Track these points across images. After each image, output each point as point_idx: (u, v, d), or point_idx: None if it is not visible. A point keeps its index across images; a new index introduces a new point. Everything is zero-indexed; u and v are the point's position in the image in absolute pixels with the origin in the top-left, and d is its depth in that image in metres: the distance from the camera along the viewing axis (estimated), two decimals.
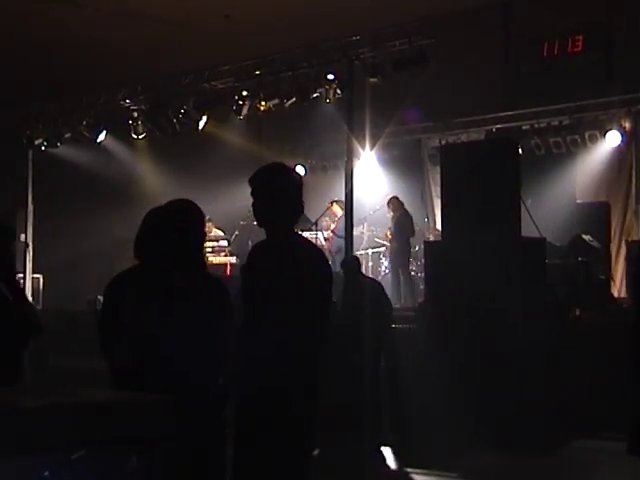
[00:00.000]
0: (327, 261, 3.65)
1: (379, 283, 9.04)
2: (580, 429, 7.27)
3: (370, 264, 13.01)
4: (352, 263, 8.53)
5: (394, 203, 12.43)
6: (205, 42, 12.15)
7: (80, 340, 9.61)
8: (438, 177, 9.51)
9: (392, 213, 12.46)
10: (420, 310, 8.87)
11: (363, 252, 12.91)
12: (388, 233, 12.53)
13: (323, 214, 12.54)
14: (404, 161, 14.02)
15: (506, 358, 7.33)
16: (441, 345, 7.73)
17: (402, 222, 12.28)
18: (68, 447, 2.28)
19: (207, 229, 14.78)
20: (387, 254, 12.82)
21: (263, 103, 12.21)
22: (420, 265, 11.96)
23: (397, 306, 10.82)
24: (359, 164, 13.29)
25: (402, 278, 12.16)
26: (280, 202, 3.50)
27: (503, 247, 7.88)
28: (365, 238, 13.44)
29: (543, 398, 7.26)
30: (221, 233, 13.58)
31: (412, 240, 12.42)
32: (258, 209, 3.56)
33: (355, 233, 11.93)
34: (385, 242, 12.81)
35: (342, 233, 11.79)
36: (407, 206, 12.74)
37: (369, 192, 13.49)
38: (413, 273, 12.63)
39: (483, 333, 7.48)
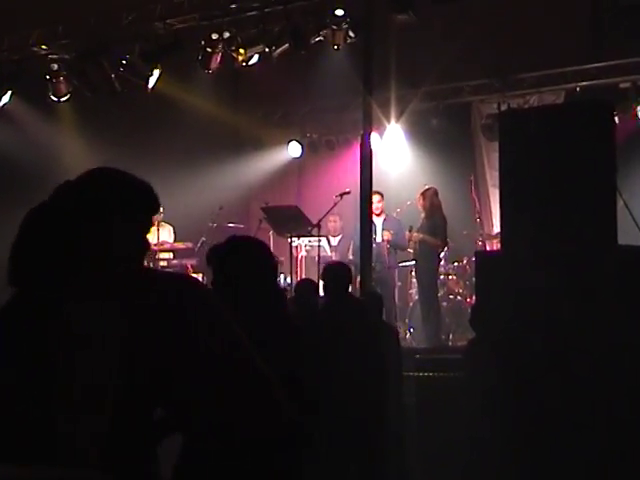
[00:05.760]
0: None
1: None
2: None
3: (398, 284, 13.06)
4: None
5: (425, 196, 12.31)
6: None
7: None
8: (495, 158, 9.53)
9: (422, 211, 12.34)
10: (468, 352, 8.85)
11: None
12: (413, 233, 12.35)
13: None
14: (447, 135, 14.10)
15: (598, 426, 7.26)
16: (494, 404, 7.68)
17: (432, 226, 12.18)
18: None
19: (155, 232, 14.47)
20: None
21: (241, 51, 12.27)
22: (469, 285, 12.01)
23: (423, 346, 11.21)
24: (380, 140, 13.25)
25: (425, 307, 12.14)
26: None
27: (590, 261, 7.85)
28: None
29: None
30: (180, 241, 13.58)
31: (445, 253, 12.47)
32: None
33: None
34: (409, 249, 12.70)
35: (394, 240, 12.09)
36: (451, 200, 12.68)
37: (395, 180, 13.50)
38: (460, 297, 12.57)
39: (560, 387, 7.43)
